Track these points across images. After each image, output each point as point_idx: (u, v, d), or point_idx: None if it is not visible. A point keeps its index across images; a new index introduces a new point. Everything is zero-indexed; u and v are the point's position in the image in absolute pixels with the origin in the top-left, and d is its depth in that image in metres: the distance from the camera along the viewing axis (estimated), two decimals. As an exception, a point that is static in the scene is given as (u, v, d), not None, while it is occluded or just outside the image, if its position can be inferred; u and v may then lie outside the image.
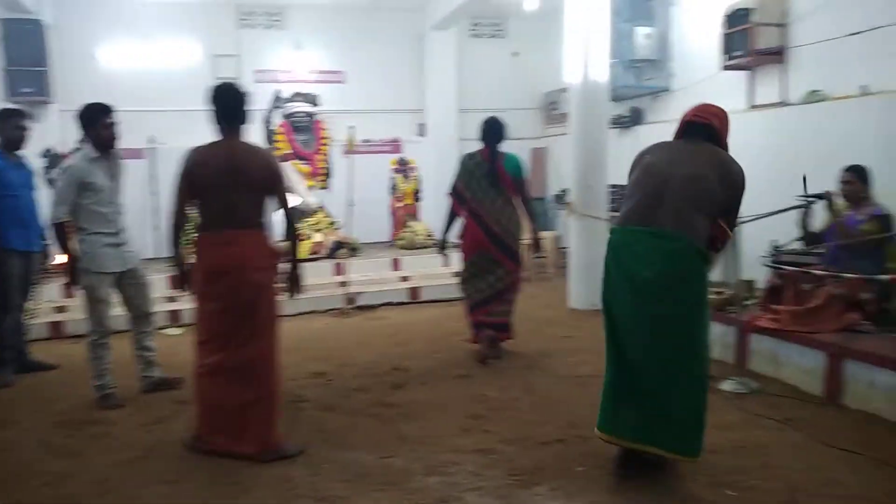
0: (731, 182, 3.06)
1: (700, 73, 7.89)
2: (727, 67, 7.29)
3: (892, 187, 4.85)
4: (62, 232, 4.36)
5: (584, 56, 6.52)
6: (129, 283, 4.58)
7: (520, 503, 3.00)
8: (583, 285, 6.74)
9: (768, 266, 4.73)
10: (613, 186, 7.97)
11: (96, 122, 4.39)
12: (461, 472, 3.31)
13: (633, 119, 9.13)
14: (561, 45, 9.81)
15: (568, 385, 4.55)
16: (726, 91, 7.57)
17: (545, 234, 9.40)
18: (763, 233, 5.16)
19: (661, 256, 2.97)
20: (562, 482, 3.15)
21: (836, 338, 4.03)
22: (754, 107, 7.26)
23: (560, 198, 9.52)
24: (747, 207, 4.75)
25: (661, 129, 8.62)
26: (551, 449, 3.53)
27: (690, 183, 3.01)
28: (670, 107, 8.59)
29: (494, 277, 5.17)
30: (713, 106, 3.30)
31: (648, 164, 3.17)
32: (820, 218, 4.88)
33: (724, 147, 3.18)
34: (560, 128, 10.02)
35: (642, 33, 8.41)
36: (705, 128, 3.18)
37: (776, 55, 6.86)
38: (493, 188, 5.14)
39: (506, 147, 5.34)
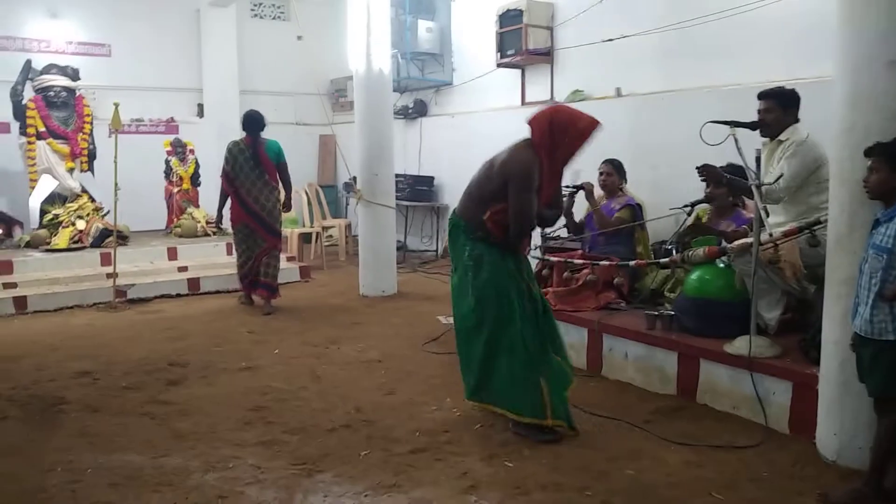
0: (504, 172, 3.43)
1: (478, 69, 8.30)
2: (501, 65, 7.75)
3: (640, 179, 5.46)
4: None
5: (367, 45, 6.54)
6: None
7: (302, 491, 2.95)
8: (371, 272, 6.81)
9: (536, 258, 5.10)
10: (399, 175, 8.14)
11: None
12: (242, 465, 3.18)
13: (417, 110, 9.38)
14: (346, 33, 9.81)
15: (355, 370, 4.57)
16: (502, 87, 8.05)
17: (334, 222, 9.37)
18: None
19: (449, 229, 3.68)
20: (346, 468, 3.15)
21: (595, 315, 4.45)
22: (526, 103, 7.78)
23: (349, 186, 9.52)
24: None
25: (444, 121, 9.01)
26: (336, 435, 3.52)
27: (476, 175, 3.60)
28: (453, 100, 8.96)
29: (257, 247, 6.18)
30: (550, 108, 3.61)
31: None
32: (582, 207, 5.35)
33: (538, 146, 3.45)
34: (348, 115, 9.96)
35: (424, 27, 8.67)
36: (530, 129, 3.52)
37: (545, 55, 7.42)
38: (254, 171, 6.11)
39: (266, 134, 6.26)
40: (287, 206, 6.61)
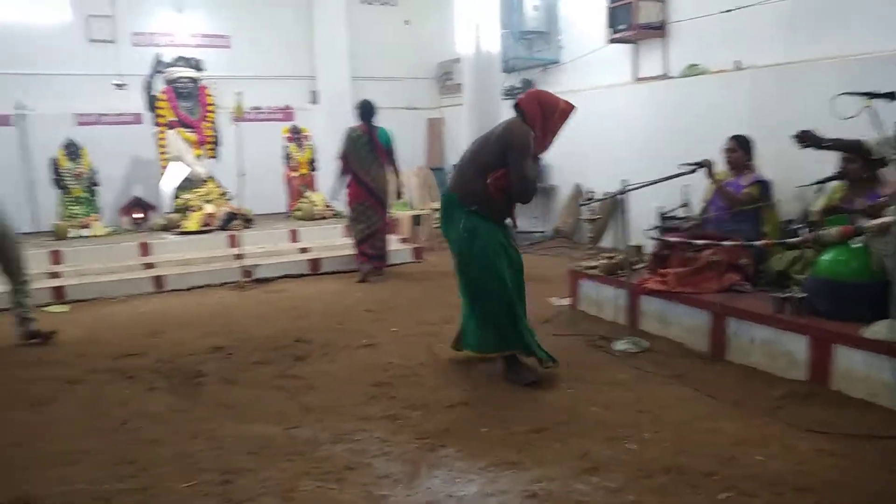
0: (504, 141, 3.84)
1: (587, 46, 8.14)
2: (613, 41, 7.56)
3: (763, 156, 5.21)
4: None
5: (476, 27, 6.57)
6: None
7: (427, 465, 3.05)
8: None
9: (654, 238, 4.99)
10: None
11: None
12: (368, 438, 3.33)
13: (524, 90, 9.30)
14: (453, 15, 9.84)
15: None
16: (612, 64, 7.87)
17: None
18: (649, 200, 5.45)
19: (442, 207, 4.14)
20: (468, 443, 3.23)
21: (718, 297, 4.31)
22: (639, 79, 7.58)
23: (456, 167, 9.61)
24: (634, 175, 5.03)
25: (552, 100, 8.90)
26: (456, 412, 3.61)
27: (469, 150, 4.04)
28: (561, 79, 8.83)
29: (370, 221, 6.85)
30: (533, 91, 4.16)
31: None
32: (702, 186, 5.18)
33: (532, 122, 3.88)
34: (455, 98, 10.07)
35: (531, 4, 8.57)
36: (517, 107, 4.01)
37: (658, 30, 7.19)
38: (370, 155, 6.76)
39: (378, 122, 6.87)
40: (399, 194, 7.17)
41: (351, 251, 7.13)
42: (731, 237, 4.53)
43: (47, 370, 4.44)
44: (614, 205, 7.38)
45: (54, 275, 6.53)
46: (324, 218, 8.49)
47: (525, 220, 9.30)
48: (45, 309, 5.91)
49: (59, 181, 7.83)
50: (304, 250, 7.62)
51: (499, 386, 3.97)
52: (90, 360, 4.63)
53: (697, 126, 6.56)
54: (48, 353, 4.83)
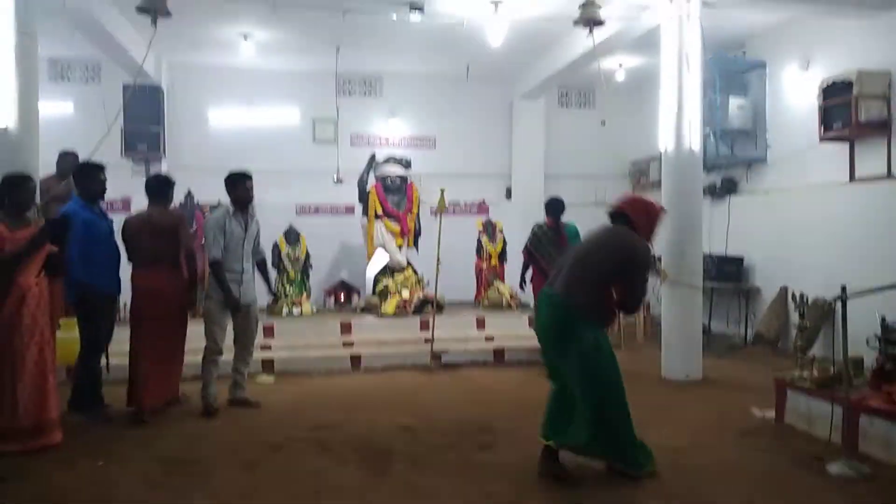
0: (628, 255, 3.86)
1: (795, 144, 7.79)
2: (825, 139, 7.16)
3: None
4: (219, 269, 5.28)
5: (677, 125, 6.52)
6: (241, 315, 5.45)
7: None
8: (675, 354, 6.56)
9: (877, 348, 4.51)
10: (710, 256, 7.84)
11: (237, 184, 5.42)
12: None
13: (725, 188, 9.01)
14: (648, 114, 9.89)
15: (661, 457, 4.37)
16: (824, 163, 7.43)
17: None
18: (870, 308, 4.95)
19: (548, 312, 4.00)
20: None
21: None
22: (857, 179, 7.06)
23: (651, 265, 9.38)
24: (851, 280, 4.61)
25: (756, 199, 8.53)
26: (646, 520, 3.41)
27: (582, 256, 3.98)
28: (766, 177, 8.47)
29: None
30: (633, 197, 4.30)
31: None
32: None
33: (639, 229, 3.96)
34: (648, 195, 9.95)
35: (735, 104, 8.41)
36: (622, 215, 4.05)
37: (880, 127, 6.71)
38: (555, 250, 6.82)
39: (567, 214, 7.14)
40: None
41: (535, 343, 7.04)
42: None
43: (255, 435, 4.82)
44: (827, 311, 6.78)
45: (266, 347, 7.17)
46: (510, 307, 8.60)
47: (720, 322, 8.79)
48: (256, 379, 6.46)
49: (278, 263, 8.68)
50: (489, 338, 7.74)
51: (692, 499, 3.70)
52: (291, 429, 4.96)
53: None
54: (257, 418, 5.25)
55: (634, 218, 3.97)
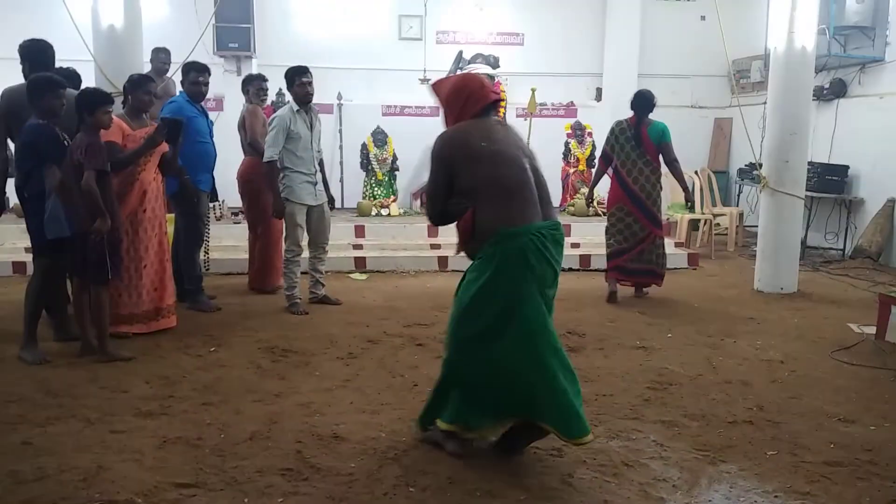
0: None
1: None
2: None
3: None
4: (273, 169, 5.28)
5: (790, 21, 6.06)
6: (316, 216, 5.50)
7: (707, 477, 2.95)
8: (770, 266, 6.39)
9: None
10: (811, 164, 7.46)
11: (294, 81, 5.27)
12: (643, 439, 3.31)
13: (833, 91, 8.44)
14: (754, 11, 9.22)
15: (754, 367, 4.38)
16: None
17: (725, 210, 8.99)
18: None
19: (557, 246, 3.22)
20: (751, 464, 3.06)
21: None
22: None
23: (745, 172, 9.02)
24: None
25: (868, 103, 7.96)
26: (738, 429, 3.44)
27: (536, 169, 3.12)
28: (882, 79, 7.86)
29: (630, 232, 5.91)
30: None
31: (494, 153, 3.02)
32: None
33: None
34: (749, 97, 9.46)
35: (855, -2, 7.74)
36: (495, 105, 3.20)
37: None
38: (634, 151, 5.86)
39: (661, 116, 6.03)
40: (686, 201, 6.54)
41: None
42: None
43: (352, 329, 5.04)
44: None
45: (357, 246, 7.38)
46: (598, 215, 8.48)
47: (817, 235, 8.45)
48: (350, 275, 6.70)
49: (366, 164, 8.78)
50: (575, 245, 7.70)
51: (788, 407, 3.70)
52: (386, 324, 5.17)
53: None
54: (352, 314, 5.47)
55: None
